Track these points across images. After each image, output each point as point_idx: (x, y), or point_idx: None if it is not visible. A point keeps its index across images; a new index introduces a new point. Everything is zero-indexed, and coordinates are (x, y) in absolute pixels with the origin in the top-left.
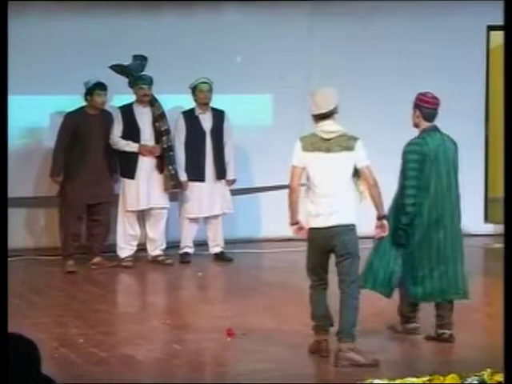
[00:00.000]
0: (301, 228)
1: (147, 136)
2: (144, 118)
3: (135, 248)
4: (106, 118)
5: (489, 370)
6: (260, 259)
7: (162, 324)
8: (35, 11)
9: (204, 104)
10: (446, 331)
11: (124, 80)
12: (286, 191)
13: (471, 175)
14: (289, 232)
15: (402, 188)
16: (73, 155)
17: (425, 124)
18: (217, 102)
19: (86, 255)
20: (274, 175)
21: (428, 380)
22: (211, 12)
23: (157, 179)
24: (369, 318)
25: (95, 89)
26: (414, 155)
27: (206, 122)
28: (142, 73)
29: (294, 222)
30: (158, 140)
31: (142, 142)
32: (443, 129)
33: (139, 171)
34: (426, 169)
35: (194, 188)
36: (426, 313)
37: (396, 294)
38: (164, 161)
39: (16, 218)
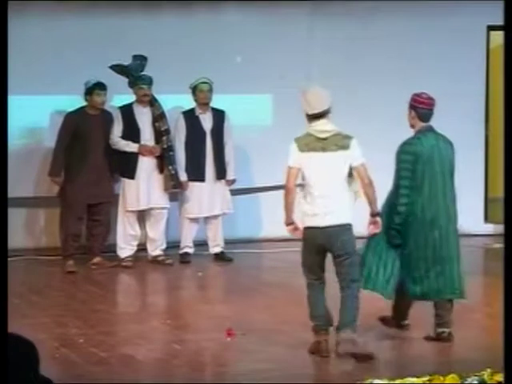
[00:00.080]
0: (296, 228)
1: (147, 136)
2: (144, 118)
3: (135, 248)
4: (106, 118)
5: (489, 370)
6: (260, 259)
7: (162, 324)
8: (35, 11)
9: (204, 104)
10: (445, 330)
11: (124, 80)
12: None
13: (471, 175)
14: None
15: (396, 188)
16: (73, 155)
17: (420, 124)
18: (217, 102)
19: (86, 255)
20: (274, 175)
21: (428, 380)
22: (211, 12)
23: (157, 179)
24: (369, 317)
25: (95, 89)
26: (406, 155)
27: (206, 122)
28: (142, 73)
29: (290, 222)
30: (158, 140)
31: (142, 142)
32: (443, 129)
33: (139, 171)
34: (419, 169)
35: (194, 188)
36: (426, 313)
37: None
38: (164, 161)
39: (16, 218)
